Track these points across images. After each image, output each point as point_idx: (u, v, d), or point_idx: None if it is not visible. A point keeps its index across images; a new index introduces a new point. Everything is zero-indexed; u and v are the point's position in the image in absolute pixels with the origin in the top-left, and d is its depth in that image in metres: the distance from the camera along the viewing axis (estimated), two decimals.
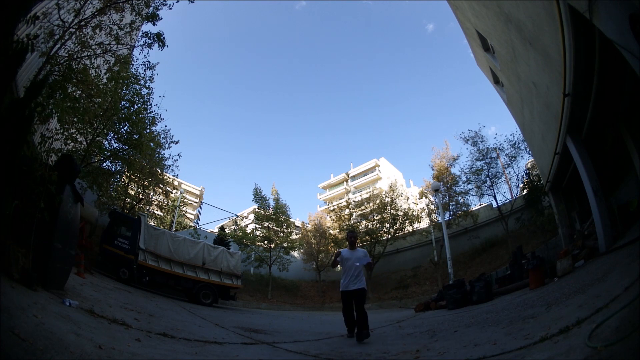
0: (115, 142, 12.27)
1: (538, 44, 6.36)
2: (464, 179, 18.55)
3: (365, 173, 48.20)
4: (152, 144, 12.46)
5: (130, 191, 15.77)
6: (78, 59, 8.14)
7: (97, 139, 11.00)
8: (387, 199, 22.09)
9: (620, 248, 5.55)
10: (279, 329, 6.49)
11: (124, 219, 11.32)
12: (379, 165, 47.95)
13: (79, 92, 8.59)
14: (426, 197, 20.72)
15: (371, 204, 23.84)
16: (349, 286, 4.80)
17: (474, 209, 20.00)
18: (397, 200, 22.00)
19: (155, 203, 17.83)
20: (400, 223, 21.49)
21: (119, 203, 14.68)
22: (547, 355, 2.07)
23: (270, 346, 4.16)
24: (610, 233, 6.42)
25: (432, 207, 20.31)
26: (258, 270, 22.07)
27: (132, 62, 10.42)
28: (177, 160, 15.68)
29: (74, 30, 7.89)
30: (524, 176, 17.53)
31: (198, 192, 46.66)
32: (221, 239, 20.32)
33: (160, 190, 16.17)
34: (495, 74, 12.19)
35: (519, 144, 16.41)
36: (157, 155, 13.67)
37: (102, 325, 3.27)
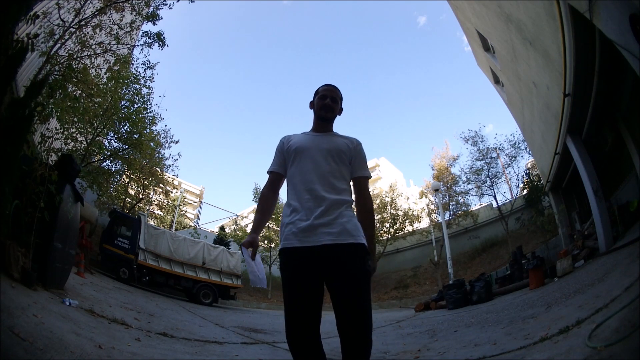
0: (115, 142, 12.31)
1: (538, 44, 6.36)
2: (464, 178, 18.55)
3: None
4: (152, 144, 12.47)
5: (130, 191, 15.78)
6: (78, 59, 8.14)
7: (97, 138, 11.02)
8: (387, 199, 22.07)
9: (620, 248, 5.55)
10: (279, 328, 6.48)
11: (124, 218, 11.34)
12: (379, 165, 47.92)
13: (79, 91, 8.59)
14: (426, 197, 20.71)
15: None
16: (307, 234, 1.41)
17: (474, 209, 19.99)
18: (397, 200, 21.99)
19: (155, 203, 17.85)
20: (400, 223, 21.47)
21: (119, 203, 14.69)
22: (547, 355, 2.07)
23: (270, 346, 4.16)
24: (610, 233, 6.41)
25: (432, 207, 20.30)
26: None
27: (132, 62, 10.44)
28: (177, 159, 15.68)
29: (74, 29, 7.90)
30: (524, 176, 17.54)
31: (198, 192, 46.65)
32: (221, 238, 20.33)
33: (160, 190, 16.18)
34: (495, 74, 12.18)
35: (519, 143, 16.42)
36: (157, 154, 13.68)
37: (102, 325, 3.27)
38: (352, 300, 1.34)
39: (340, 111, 1.76)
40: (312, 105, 1.75)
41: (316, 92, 1.74)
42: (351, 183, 1.65)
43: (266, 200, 1.64)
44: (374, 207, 1.76)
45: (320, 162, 1.54)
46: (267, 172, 1.67)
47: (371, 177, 1.69)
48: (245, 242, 1.48)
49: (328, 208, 1.44)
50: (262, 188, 1.72)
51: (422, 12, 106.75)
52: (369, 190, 1.66)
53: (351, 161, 1.62)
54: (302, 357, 1.35)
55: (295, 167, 1.57)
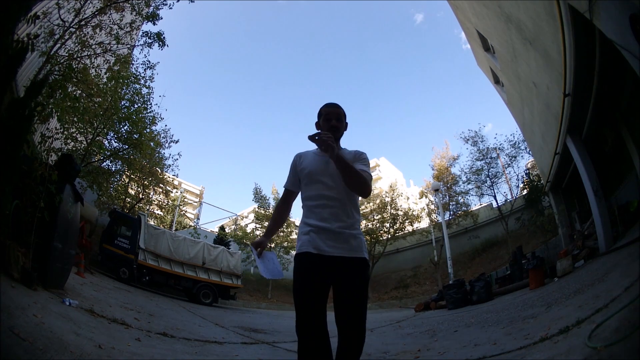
0: (115, 142, 12.31)
1: (538, 44, 6.36)
2: (464, 178, 18.56)
3: None
4: (152, 144, 12.46)
5: (130, 191, 15.78)
6: (78, 59, 8.14)
7: (97, 138, 11.01)
8: (387, 199, 22.07)
9: (620, 248, 5.55)
10: (279, 328, 6.48)
11: (124, 218, 11.34)
12: (379, 165, 47.95)
13: (79, 91, 8.59)
14: (426, 197, 20.71)
15: (371, 204, 23.82)
16: (320, 246, 1.57)
17: (474, 209, 20.00)
18: (397, 200, 21.98)
19: (155, 202, 17.83)
20: (400, 223, 21.47)
21: (119, 202, 14.68)
22: (547, 355, 2.07)
23: (270, 346, 4.16)
24: (610, 233, 6.41)
25: (432, 207, 20.30)
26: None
27: (132, 62, 10.42)
28: (177, 159, 15.68)
29: (74, 29, 7.89)
30: (524, 176, 17.52)
31: (198, 192, 46.63)
32: (221, 238, 20.33)
33: (160, 190, 16.18)
34: (495, 74, 12.18)
35: (519, 144, 16.42)
36: (157, 154, 13.68)
37: (102, 325, 3.27)
38: (354, 307, 1.54)
39: (345, 126, 1.80)
40: (318, 126, 1.79)
41: (319, 114, 1.79)
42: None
43: (279, 211, 1.88)
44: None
45: (331, 185, 1.63)
46: (283, 187, 1.84)
47: (371, 175, 1.68)
48: (253, 242, 1.75)
49: (340, 230, 1.58)
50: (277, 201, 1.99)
51: (419, 9, 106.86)
52: (369, 177, 1.64)
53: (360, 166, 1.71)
54: (312, 344, 1.47)
55: (308, 190, 1.69)
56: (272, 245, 22.27)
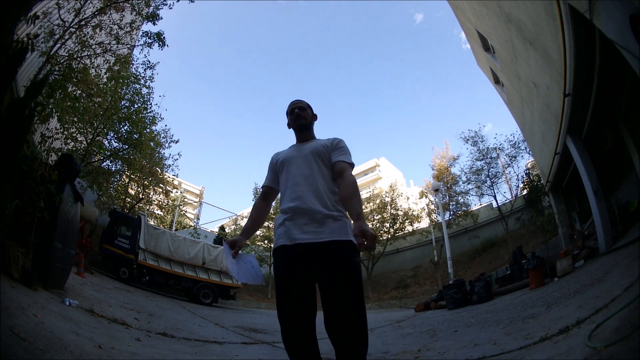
0: (115, 142, 12.32)
1: (538, 44, 6.36)
2: (464, 178, 18.57)
3: (365, 173, 48.21)
4: (152, 144, 12.47)
5: (130, 191, 15.79)
6: (78, 59, 8.14)
7: (97, 138, 11.03)
8: (387, 199, 22.08)
9: (620, 248, 5.55)
10: (279, 328, 6.47)
11: (124, 218, 11.34)
12: (379, 165, 47.94)
13: (79, 91, 8.59)
14: (426, 197, 20.72)
15: (371, 204, 23.84)
16: (294, 235, 1.47)
17: (474, 209, 20.00)
18: (397, 200, 21.99)
19: (155, 202, 17.84)
20: (400, 223, 21.48)
21: (119, 202, 14.69)
22: (547, 355, 2.07)
23: (270, 346, 4.16)
24: (610, 233, 6.41)
25: (432, 207, 20.30)
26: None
27: (132, 62, 10.43)
28: (177, 159, 15.69)
29: (74, 29, 7.89)
30: (524, 176, 17.53)
31: (198, 192, 46.64)
32: (221, 238, 20.33)
33: (160, 190, 16.18)
34: (495, 74, 12.18)
35: (519, 143, 16.43)
36: (157, 154, 13.68)
37: (102, 325, 3.27)
38: (339, 300, 1.34)
39: (314, 117, 1.87)
40: (288, 125, 1.85)
41: (286, 114, 1.85)
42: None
43: (257, 209, 1.79)
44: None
45: (304, 167, 1.61)
46: (261, 187, 1.84)
47: (352, 163, 1.64)
48: (229, 240, 1.59)
49: (315, 211, 1.48)
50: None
51: (419, 9, 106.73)
52: (353, 176, 1.58)
53: (331, 157, 1.67)
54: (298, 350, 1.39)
55: (283, 176, 1.67)
56: (272, 245, 22.22)
